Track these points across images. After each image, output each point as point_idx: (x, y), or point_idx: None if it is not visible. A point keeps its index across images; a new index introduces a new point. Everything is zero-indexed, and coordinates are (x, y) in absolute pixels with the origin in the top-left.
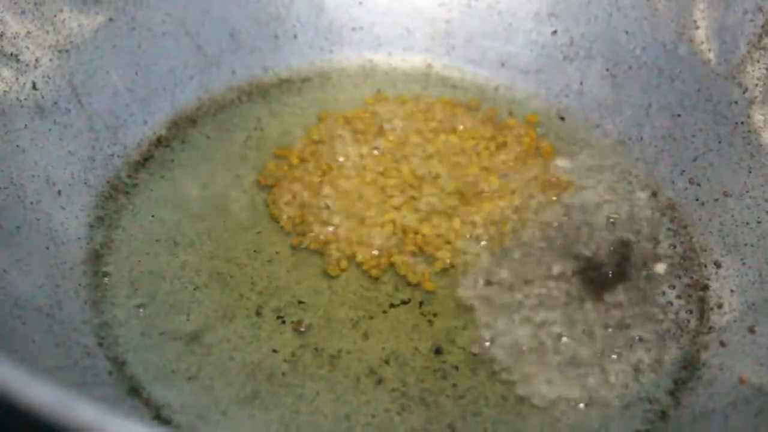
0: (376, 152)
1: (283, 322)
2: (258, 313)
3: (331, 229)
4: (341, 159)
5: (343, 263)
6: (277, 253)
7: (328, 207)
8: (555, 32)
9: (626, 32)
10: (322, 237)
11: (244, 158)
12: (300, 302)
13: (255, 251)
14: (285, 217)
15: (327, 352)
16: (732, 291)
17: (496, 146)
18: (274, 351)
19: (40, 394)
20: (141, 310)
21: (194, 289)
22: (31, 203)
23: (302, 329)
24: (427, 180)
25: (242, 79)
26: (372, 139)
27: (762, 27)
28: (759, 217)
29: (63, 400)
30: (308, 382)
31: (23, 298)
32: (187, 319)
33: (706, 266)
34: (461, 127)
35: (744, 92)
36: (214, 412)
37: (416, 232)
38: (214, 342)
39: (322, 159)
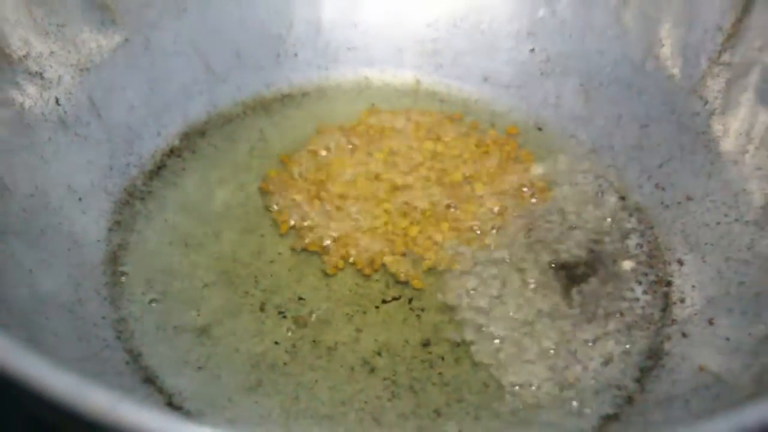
0: (369, 161)
1: (285, 317)
2: (261, 309)
3: (327, 231)
4: (337, 167)
5: (339, 263)
6: (278, 254)
7: (324, 211)
8: (533, 50)
9: (598, 50)
10: (319, 239)
11: (248, 167)
12: (300, 299)
13: (258, 252)
14: (285, 220)
15: (324, 344)
16: (693, 287)
17: (480, 155)
18: (276, 343)
19: (61, 382)
20: (155, 305)
21: (203, 286)
22: (55, 209)
23: (301, 323)
24: (416, 186)
25: (247, 95)
26: (365, 149)
27: (721, 44)
28: (718, 219)
29: (82, 388)
30: (307, 372)
31: (47, 295)
32: (197, 314)
33: (670, 264)
34: (447, 137)
35: (705, 104)
36: (221, 399)
37: (405, 234)
38: (222, 335)
39: (320, 167)
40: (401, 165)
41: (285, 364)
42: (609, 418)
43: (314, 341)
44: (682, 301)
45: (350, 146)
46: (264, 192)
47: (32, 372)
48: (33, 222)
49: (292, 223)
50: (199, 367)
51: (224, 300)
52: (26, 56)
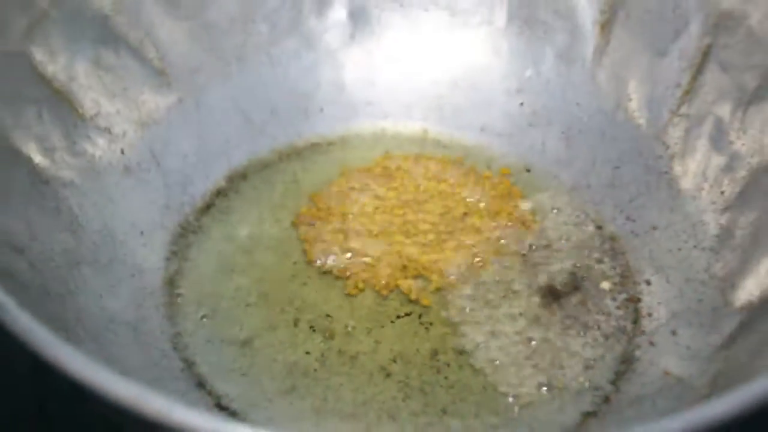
0: (384, 199)
1: (314, 331)
2: (295, 324)
3: (350, 258)
4: (357, 205)
5: (360, 285)
6: (308, 277)
7: (347, 241)
8: (522, 105)
9: (577, 104)
10: (343, 266)
11: (283, 205)
12: (327, 315)
13: (292, 276)
14: (314, 250)
15: (348, 353)
16: (659, 303)
17: (478, 192)
18: (307, 353)
19: (126, 388)
20: (205, 321)
21: (246, 305)
22: (120, 242)
23: (329, 336)
24: (424, 220)
25: (281, 144)
26: (381, 188)
27: (680, 99)
28: (679, 246)
29: (144, 393)
30: (334, 377)
31: (115, 315)
32: (240, 329)
33: (639, 284)
34: (451, 178)
35: (667, 149)
36: (262, 401)
37: (416, 261)
38: (261, 347)
39: (343, 204)
40: (411, 202)
41: (315, 370)
42: (588, 415)
43: (339, 351)
44: (650, 315)
45: (368, 187)
46: (296, 225)
47: (102, 380)
48: (102, 253)
49: (319, 252)
50: (243, 374)
51: (263, 317)
52: (97, 115)
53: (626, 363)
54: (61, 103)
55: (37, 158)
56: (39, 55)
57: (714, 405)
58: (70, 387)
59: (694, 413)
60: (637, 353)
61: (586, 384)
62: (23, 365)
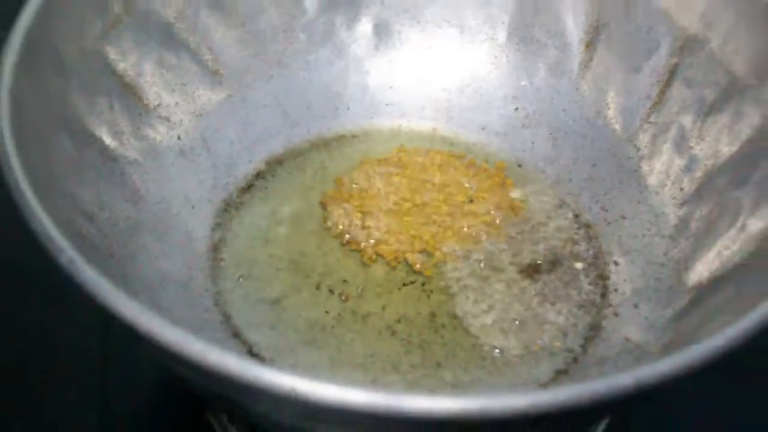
0: (397, 185)
1: (333, 293)
2: (317, 288)
3: (366, 234)
4: (374, 189)
5: (373, 257)
6: (330, 249)
7: (365, 220)
8: (517, 109)
9: (563, 110)
10: (360, 239)
11: (312, 187)
12: (344, 281)
13: (316, 247)
14: (336, 226)
15: (360, 313)
16: (624, 280)
17: (476, 182)
18: (326, 312)
19: (174, 335)
20: (242, 281)
21: (277, 270)
22: (174, 213)
23: (344, 299)
24: (430, 204)
25: (313, 135)
26: (395, 176)
27: (649, 109)
28: (643, 233)
29: (189, 339)
30: (347, 333)
31: (167, 274)
32: (271, 290)
33: (609, 264)
34: (454, 170)
35: (637, 151)
36: (286, 350)
37: (421, 238)
38: (288, 305)
39: (362, 188)
40: (420, 188)
41: (332, 327)
42: (560, 372)
43: (353, 311)
44: (616, 290)
45: (384, 174)
46: (323, 205)
47: (154, 326)
48: (159, 222)
49: (341, 227)
50: (272, 327)
51: (291, 280)
52: (158, 106)
53: (594, 330)
54: (129, 95)
55: (108, 140)
56: (112, 54)
57: (660, 364)
58: (128, 331)
59: (644, 370)
60: (604, 323)
61: (560, 347)
62: (90, 312)
